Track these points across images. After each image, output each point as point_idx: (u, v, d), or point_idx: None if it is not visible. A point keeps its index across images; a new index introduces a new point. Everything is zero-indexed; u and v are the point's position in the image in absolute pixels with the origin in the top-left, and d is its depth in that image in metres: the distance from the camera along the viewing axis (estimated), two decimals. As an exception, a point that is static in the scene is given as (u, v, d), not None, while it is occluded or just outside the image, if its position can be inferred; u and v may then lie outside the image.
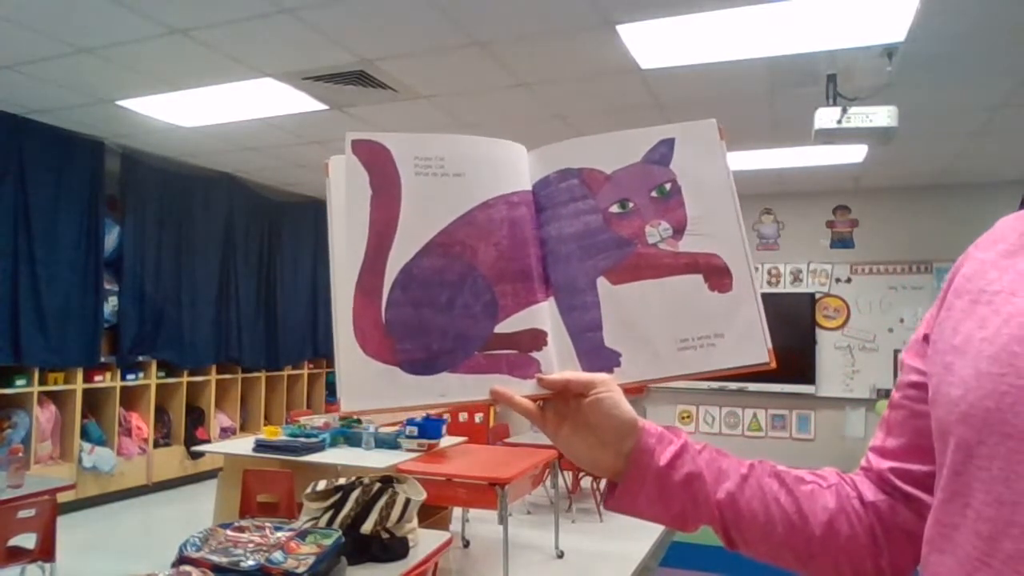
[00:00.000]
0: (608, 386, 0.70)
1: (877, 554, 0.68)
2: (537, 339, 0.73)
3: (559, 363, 0.73)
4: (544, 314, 0.74)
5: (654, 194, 0.76)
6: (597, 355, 0.74)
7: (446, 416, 4.70)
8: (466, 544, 4.74)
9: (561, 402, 0.72)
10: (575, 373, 0.72)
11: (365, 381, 0.70)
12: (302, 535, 2.11)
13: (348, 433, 4.38)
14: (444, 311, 0.72)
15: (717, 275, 0.74)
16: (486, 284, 0.73)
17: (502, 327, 0.73)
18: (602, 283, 0.75)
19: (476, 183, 0.75)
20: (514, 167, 0.77)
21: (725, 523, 0.70)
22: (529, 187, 0.77)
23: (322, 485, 2.43)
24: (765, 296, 0.74)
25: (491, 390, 0.71)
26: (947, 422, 0.56)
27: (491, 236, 0.74)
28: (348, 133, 0.74)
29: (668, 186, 0.76)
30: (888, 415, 0.71)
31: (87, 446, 5.59)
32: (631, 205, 0.76)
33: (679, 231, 0.75)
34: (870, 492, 0.70)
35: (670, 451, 0.70)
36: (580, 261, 0.75)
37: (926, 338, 0.65)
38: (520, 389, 0.72)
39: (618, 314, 0.74)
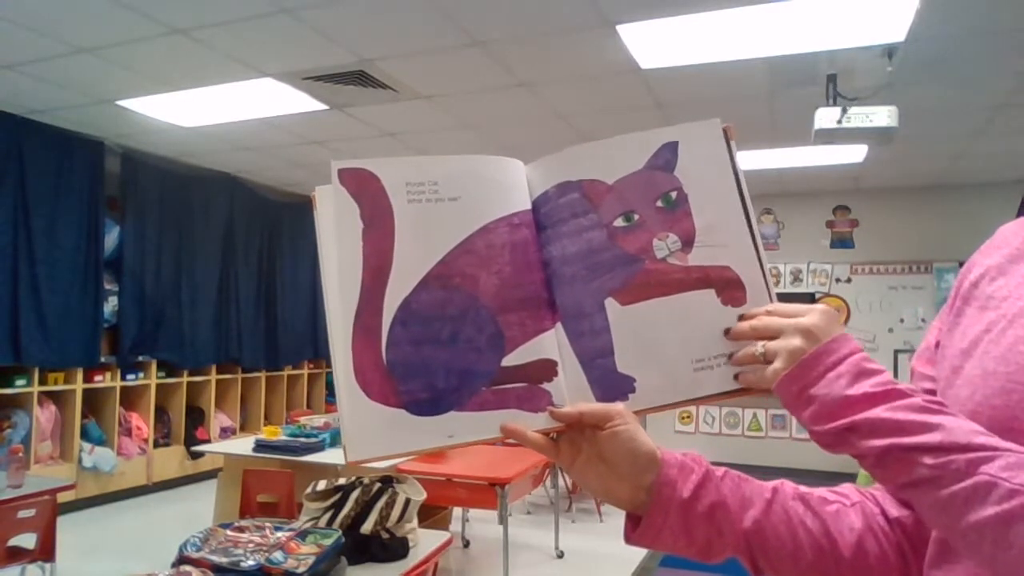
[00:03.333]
0: (625, 418, 0.67)
1: (906, 572, 0.67)
2: (547, 369, 0.70)
3: (571, 393, 0.70)
4: (553, 342, 0.71)
5: (660, 204, 0.71)
6: (610, 382, 0.70)
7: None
8: (466, 544, 4.73)
9: (576, 433, 0.69)
10: (589, 405, 0.69)
11: (370, 427, 0.66)
12: (302, 535, 2.11)
13: (348, 433, 4.37)
14: (447, 347, 0.68)
15: (730, 288, 0.68)
16: (489, 315, 0.69)
17: (509, 359, 0.69)
18: (611, 304, 0.70)
19: (473, 206, 0.71)
20: (513, 185, 0.73)
21: (752, 551, 0.68)
22: (529, 206, 0.73)
23: (322, 485, 2.43)
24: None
25: (501, 427, 0.67)
26: None
27: (492, 263, 0.70)
28: (333, 162, 0.69)
29: (674, 195, 0.71)
30: None
31: (87, 446, 5.59)
32: (636, 218, 0.70)
33: (688, 243, 0.69)
34: (893, 507, 0.69)
35: (692, 481, 0.67)
36: (586, 282, 0.70)
37: (938, 345, 0.66)
38: (532, 423, 0.68)
39: (630, 337, 0.69)
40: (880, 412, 0.55)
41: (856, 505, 0.70)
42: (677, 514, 0.67)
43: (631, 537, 0.70)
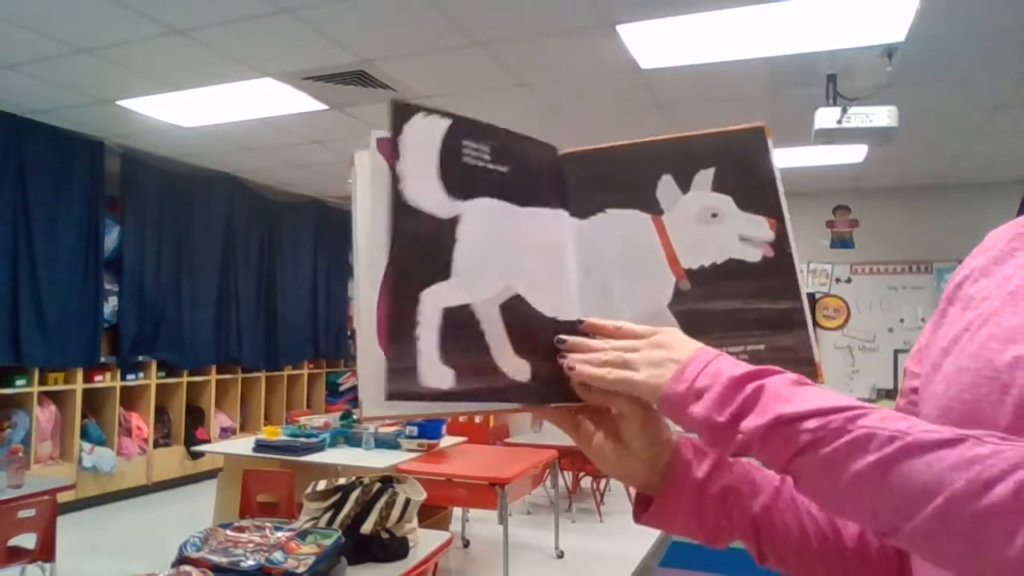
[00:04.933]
0: (642, 404, 0.67)
1: (901, 566, 0.68)
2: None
3: None
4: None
5: None
6: None
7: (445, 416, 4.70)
8: (466, 544, 4.74)
9: (594, 411, 0.70)
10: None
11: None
12: (302, 535, 2.11)
13: (348, 433, 4.38)
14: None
15: None
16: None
17: None
18: None
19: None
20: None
21: (759, 538, 0.69)
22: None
23: (322, 485, 2.43)
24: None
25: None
26: (930, 417, 0.59)
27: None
28: (373, 132, 0.69)
29: None
30: None
31: (87, 446, 5.59)
32: None
33: None
34: None
35: (706, 464, 0.69)
36: None
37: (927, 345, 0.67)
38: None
39: None
40: (765, 381, 0.57)
41: None
42: (690, 496, 0.68)
43: (641, 517, 0.71)
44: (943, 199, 6.76)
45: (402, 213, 0.66)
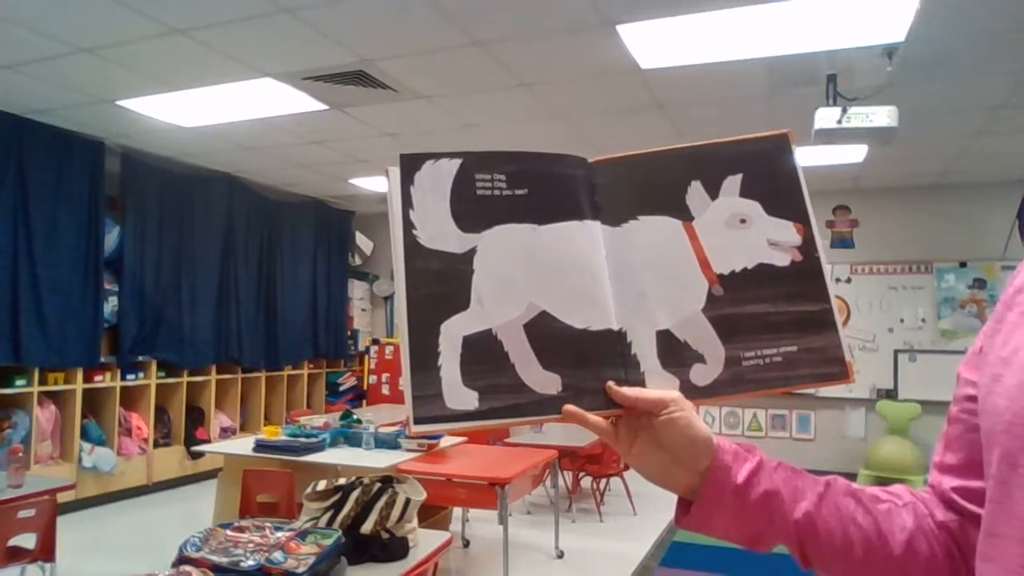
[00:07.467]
0: (680, 405, 0.69)
1: (956, 574, 0.67)
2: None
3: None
4: None
5: None
6: None
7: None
8: (466, 544, 4.74)
9: (633, 419, 0.70)
10: (643, 391, 0.70)
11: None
12: (302, 535, 2.11)
13: (348, 433, 4.38)
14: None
15: None
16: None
17: None
18: None
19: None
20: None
21: (802, 543, 0.69)
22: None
23: (322, 485, 2.43)
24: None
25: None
26: (993, 432, 0.57)
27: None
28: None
29: None
30: (947, 429, 0.69)
31: (87, 446, 5.59)
32: None
33: None
34: (939, 511, 0.69)
35: (747, 468, 0.69)
36: None
37: (982, 351, 0.65)
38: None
39: None
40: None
41: (908, 505, 0.70)
42: (730, 500, 0.68)
43: (682, 520, 0.71)
44: (943, 199, 6.77)
45: (417, 257, 0.69)
